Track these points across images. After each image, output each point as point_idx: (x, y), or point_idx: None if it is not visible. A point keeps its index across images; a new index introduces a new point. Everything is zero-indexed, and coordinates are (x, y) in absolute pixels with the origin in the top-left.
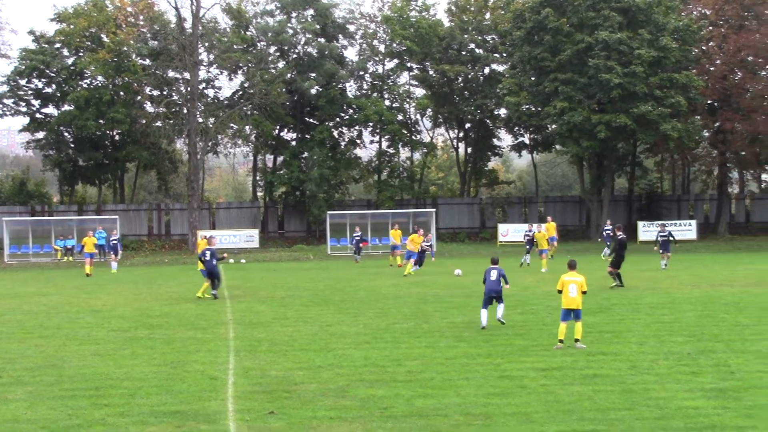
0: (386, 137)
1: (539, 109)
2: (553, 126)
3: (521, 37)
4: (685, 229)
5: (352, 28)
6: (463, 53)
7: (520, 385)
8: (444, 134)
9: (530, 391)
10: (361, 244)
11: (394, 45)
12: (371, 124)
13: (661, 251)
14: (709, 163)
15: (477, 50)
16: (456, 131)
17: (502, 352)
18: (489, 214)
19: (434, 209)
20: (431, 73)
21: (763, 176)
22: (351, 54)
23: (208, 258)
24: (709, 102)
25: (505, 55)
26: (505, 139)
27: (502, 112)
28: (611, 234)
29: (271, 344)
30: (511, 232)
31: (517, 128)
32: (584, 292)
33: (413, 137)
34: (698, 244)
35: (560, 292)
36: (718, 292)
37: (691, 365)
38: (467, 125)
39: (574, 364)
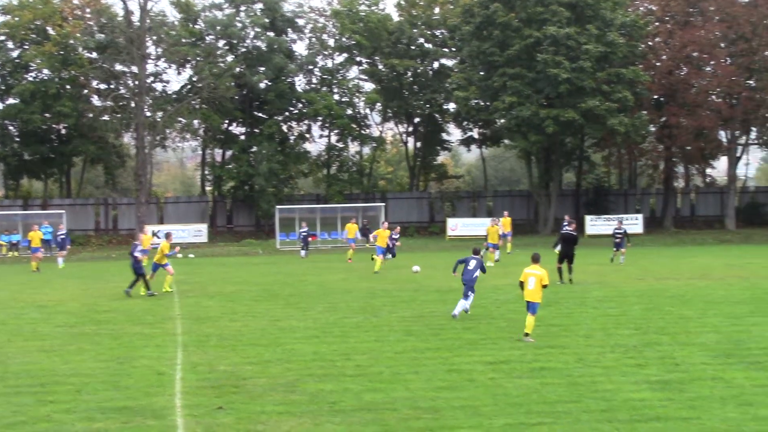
0: (335, 131)
1: (488, 103)
2: (502, 120)
3: (470, 32)
4: (632, 223)
5: (301, 22)
6: (413, 48)
7: (469, 379)
8: (393, 128)
9: (478, 385)
10: (309, 239)
11: (344, 39)
12: (320, 118)
13: (615, 249)
14: (655, 157)
15: (426, 45)
16: (405, 125)
17: (450, 346)
18: (438, 209)
19: (383, 203)
20: (380, 67)
21: (708, 171)
22: (300, 48)
23: (134, 254)
24: (655, 97)
25: (454, 49)
26: (454, 134)
27: (451, 106)
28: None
29: (219, 339)
30: (460, 226)
31: (466, 123)
32: (545, 286)
33: (362, 131)
34: (644, 237)
35: (522, 284)
36: (664, 285)
37: (637, 358)
38: (416, 120)
39: (522, 357)
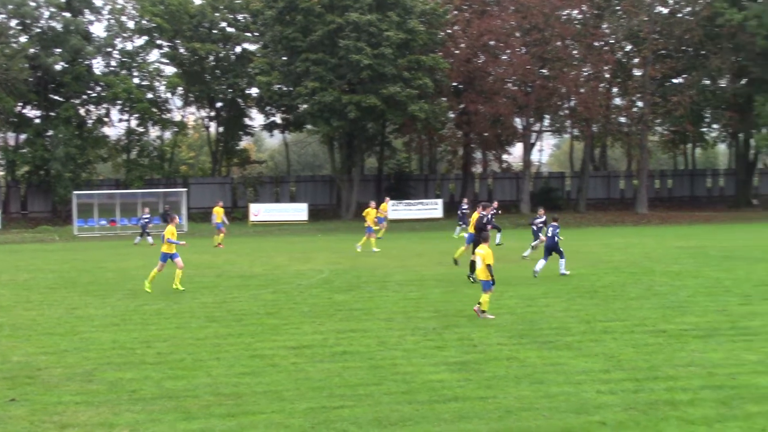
0: (135, 116)
1: (291, 88)
2: (305, 106)
3: (273, 16)
4: (431, 208)
5: (98, 2)
6: (215, 31)
7: (271, 364)
8: (195, 113)
9: (281, 370)
10: (149, 225)
11: (144, 21)
12: (120, 102)
13: (536, 240)
14: (454, 143)
15: (229, 29)
16: (207, 110)
17: (253, 332)
18: (241, 194)
19: (185, 189)
20: (182, 51)
21: (504, 156)
22: (98, 30)
23: None
24: (454, 84)
25: (257, 34)
26: (257, 119)
27: (254, 91)
28: (466, 213)
29: (12, 329)
30: (263, 211)
31: (268, 108)
32: (488, 266)
33: (163, 116)
34: (444, 222)
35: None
36: (462, 268)
37: (437, 340)
38: (219, 104)
39: (325, 341)
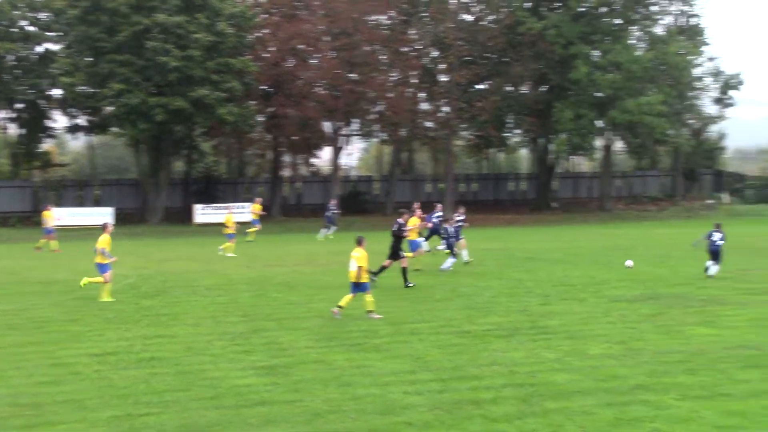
0: None
1: (96, 90)
2: (110, 108)
3: (76, 16)
4: (242, 212)
5: None
6: (14, 30)
7: (74, 372)
8: None
9: (84, 378)
10: None
11: None
12: None
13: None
14: (263, 147)
15: (29, 27)
16: (6, 111)
17: (55, 339)
18: (42, 198)
19: None
20: None
21: (313, 160)
22: None
23: None
24: (263, 88)
25: (60, 33)
26: (60, 120)
27: (57, 92)
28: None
29: None
30: (65, 216)
31: (72, 109)
32: (360, 267)
33: None
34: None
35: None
36: (272, 272)
37: (244, 344)
38: (19, 105)
39: (130, 348)
